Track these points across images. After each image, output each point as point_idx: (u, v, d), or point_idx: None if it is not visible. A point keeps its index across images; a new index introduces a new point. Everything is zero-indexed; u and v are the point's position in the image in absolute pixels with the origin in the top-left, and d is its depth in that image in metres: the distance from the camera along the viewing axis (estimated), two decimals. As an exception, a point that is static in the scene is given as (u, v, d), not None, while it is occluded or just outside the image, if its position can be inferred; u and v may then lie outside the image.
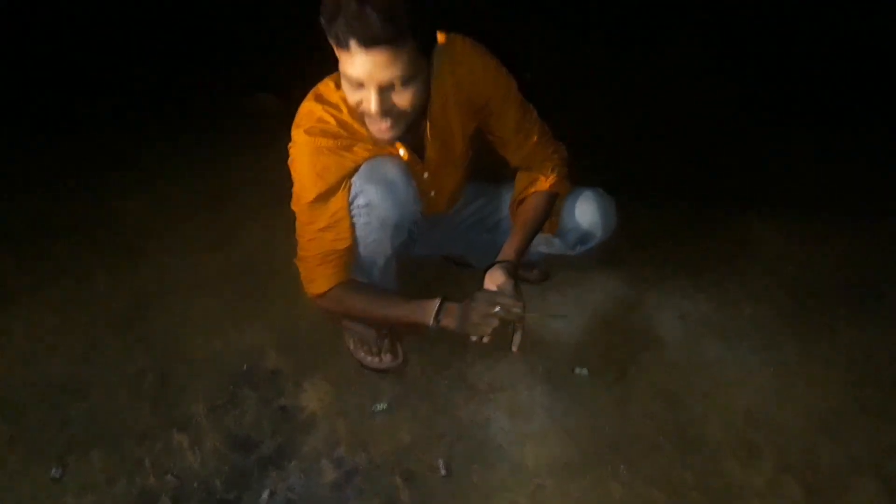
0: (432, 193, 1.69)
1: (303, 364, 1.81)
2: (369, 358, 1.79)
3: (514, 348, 1.50)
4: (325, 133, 1.43)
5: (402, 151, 1.50)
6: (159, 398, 1.71)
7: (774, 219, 2.40)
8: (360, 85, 1.27)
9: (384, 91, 1.27)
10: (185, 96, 3.31)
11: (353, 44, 1.19)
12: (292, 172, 1.50)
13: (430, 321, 1.50)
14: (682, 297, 2.04)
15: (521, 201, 1.70)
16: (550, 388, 1.74)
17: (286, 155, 1.49)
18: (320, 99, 1.45)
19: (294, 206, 1.53)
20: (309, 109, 1.45)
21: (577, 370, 1.79)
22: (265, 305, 1.99)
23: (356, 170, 1.47)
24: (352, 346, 1.83)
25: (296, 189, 1.51)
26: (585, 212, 1.73)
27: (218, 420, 1.65)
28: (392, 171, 1.47)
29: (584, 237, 1.77)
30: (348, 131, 1.45)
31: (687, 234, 2.31)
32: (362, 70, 1.23)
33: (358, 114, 1.35)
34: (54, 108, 3.20)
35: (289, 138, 1.48)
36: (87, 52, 3.62)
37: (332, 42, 1.24)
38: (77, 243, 2.26)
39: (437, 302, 1.51)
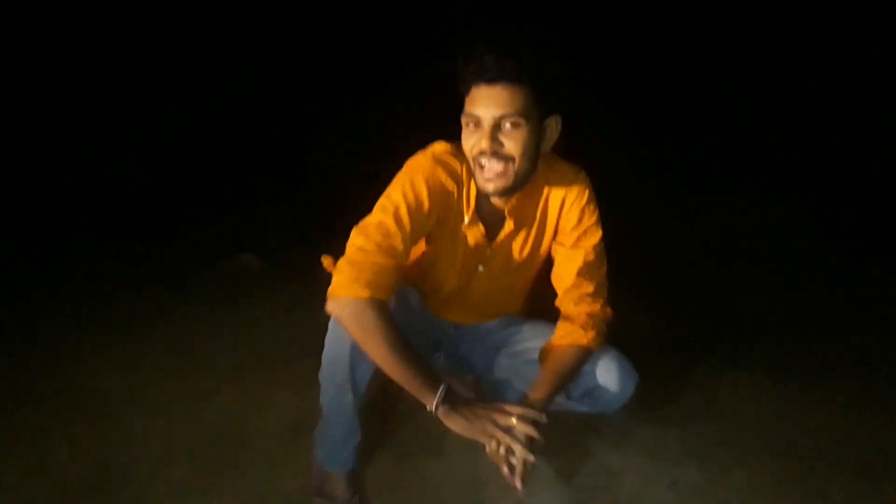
0: (471, 297, 1.84)
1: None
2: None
3: (519, 484, 1.45)
4: (446, 167, 1.60)
5: (466, 218, 1.66)
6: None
7: (764, 379, 2.37)
8: (477, 125, 1.50)
9: (496, 127, 1.47)
10: (163, 255, 3.30)
11: (477, 82, 1.47)
12: (398, 175, 1.60)
13: (432, 406, 1.48)
14: (671, 463, 1.96)
15: (554, 349, 1.70)
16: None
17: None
18: (455, 149, 1.63)
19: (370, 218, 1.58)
20: (444, 148, 1.64)
21: (567, 544, 1.69)
22: (235, 476, 1.87)
23: (439, 209, 1.61)
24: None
25: (387, 191, 1.59)
26: (606, 370, 1.70)
27: None
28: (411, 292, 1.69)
29: (592, 392, 1.73)
30: (460, 186, 1.63)
31: (675, 395, 2.27)
32: (481, 105, 1.47)
33: (472, 161, 1.54)
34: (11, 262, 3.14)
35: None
36: (59, 205, 3.66)
37: (462, 91, 1.52)
38: (36, 408, 2.14)
39: (442, 386, 1.49)
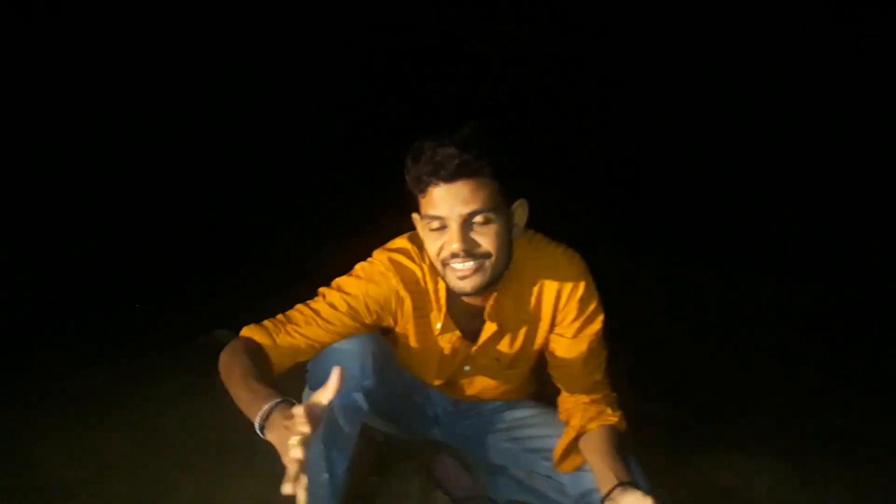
0: (463, 390, 1.70)
1: None
2: None
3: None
4: (402, 272, 1.50)
5: (438, 324, 1.54)
6: None
7: (765, 461, 2.21)
8: (441, 226, 1.35)
9: (466, 226, 1.33)
10: (131, 329, 3.06)
11: (435, 181, 1.31)
12: (355, 268, 1.53)
13: (256, 422, 1.23)
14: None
15: (594, 434, 1.54)
16: None
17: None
18: (414, 239, 1.52)
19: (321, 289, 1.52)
20: (404, 246, 1.54)
21: None
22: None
23: (384, 317, 1.52)
24: None
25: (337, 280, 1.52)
26: None
27: None
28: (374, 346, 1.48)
29: (591, 493, 1.53)
30: (419, 289, 1.51)
31: (678, 479, 2.10)
32: (443, 204, 1.32)
33: (440, 264, 1.39)
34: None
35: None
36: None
37: (415, 192, 1.37)
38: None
39: (269, 403, 1.22)
